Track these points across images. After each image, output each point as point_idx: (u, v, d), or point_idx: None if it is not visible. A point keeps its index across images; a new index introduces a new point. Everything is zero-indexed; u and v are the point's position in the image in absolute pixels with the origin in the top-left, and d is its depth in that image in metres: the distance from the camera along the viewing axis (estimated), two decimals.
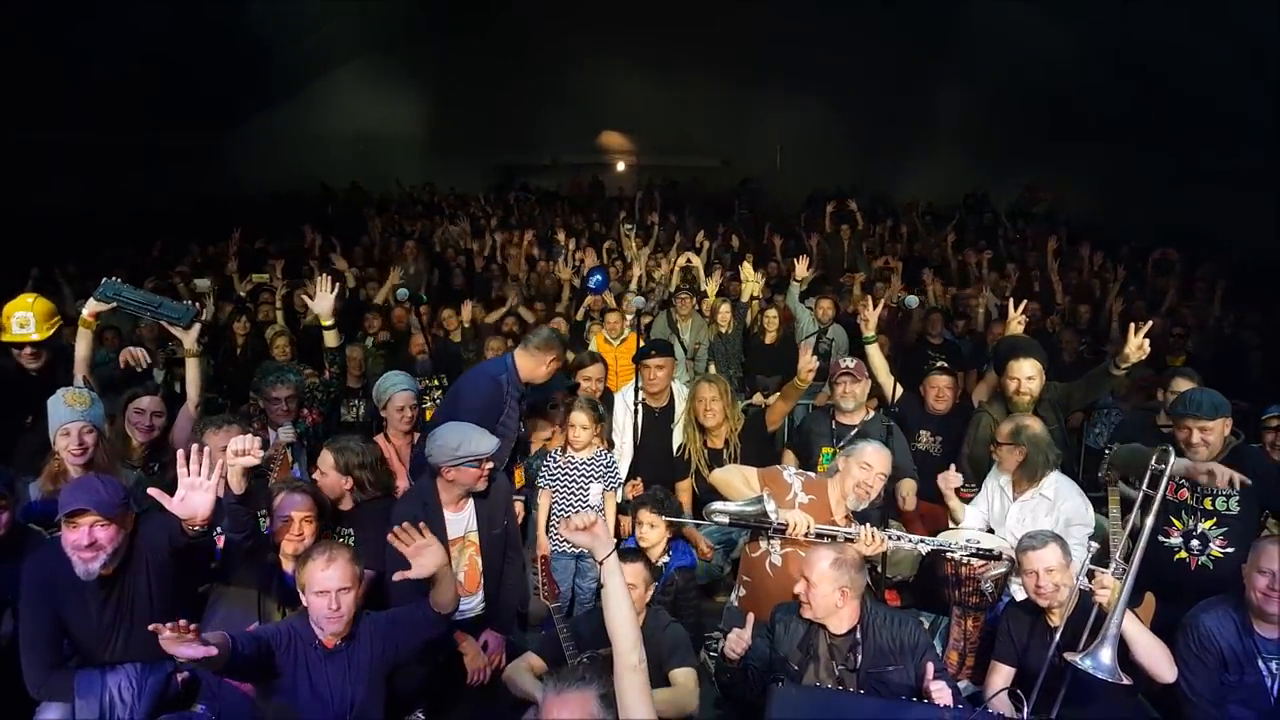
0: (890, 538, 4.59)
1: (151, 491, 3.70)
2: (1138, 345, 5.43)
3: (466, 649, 4.79)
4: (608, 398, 6.78)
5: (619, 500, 5.97)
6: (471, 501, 4.86)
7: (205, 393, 5.36)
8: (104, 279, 5.14)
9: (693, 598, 5.27)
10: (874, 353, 6.56)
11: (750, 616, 4.05)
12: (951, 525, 5.44)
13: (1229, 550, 4.69)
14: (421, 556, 3.75)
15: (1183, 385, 5.70)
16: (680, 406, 6.61)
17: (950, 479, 5.33)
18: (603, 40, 20.97)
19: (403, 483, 5.74)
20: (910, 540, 4.74)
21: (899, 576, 5.78)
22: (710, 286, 10.08)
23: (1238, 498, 4.74)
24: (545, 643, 4.43)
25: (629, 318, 8.91)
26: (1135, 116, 15.63)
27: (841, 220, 14.57)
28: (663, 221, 15.46)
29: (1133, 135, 15.78)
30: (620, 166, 26.12)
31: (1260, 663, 3.94)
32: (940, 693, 3.61)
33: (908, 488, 5.83)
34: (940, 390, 6.51)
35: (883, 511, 5.54)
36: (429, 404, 7.02)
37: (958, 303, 10.97)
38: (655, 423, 6.58)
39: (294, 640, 3.69)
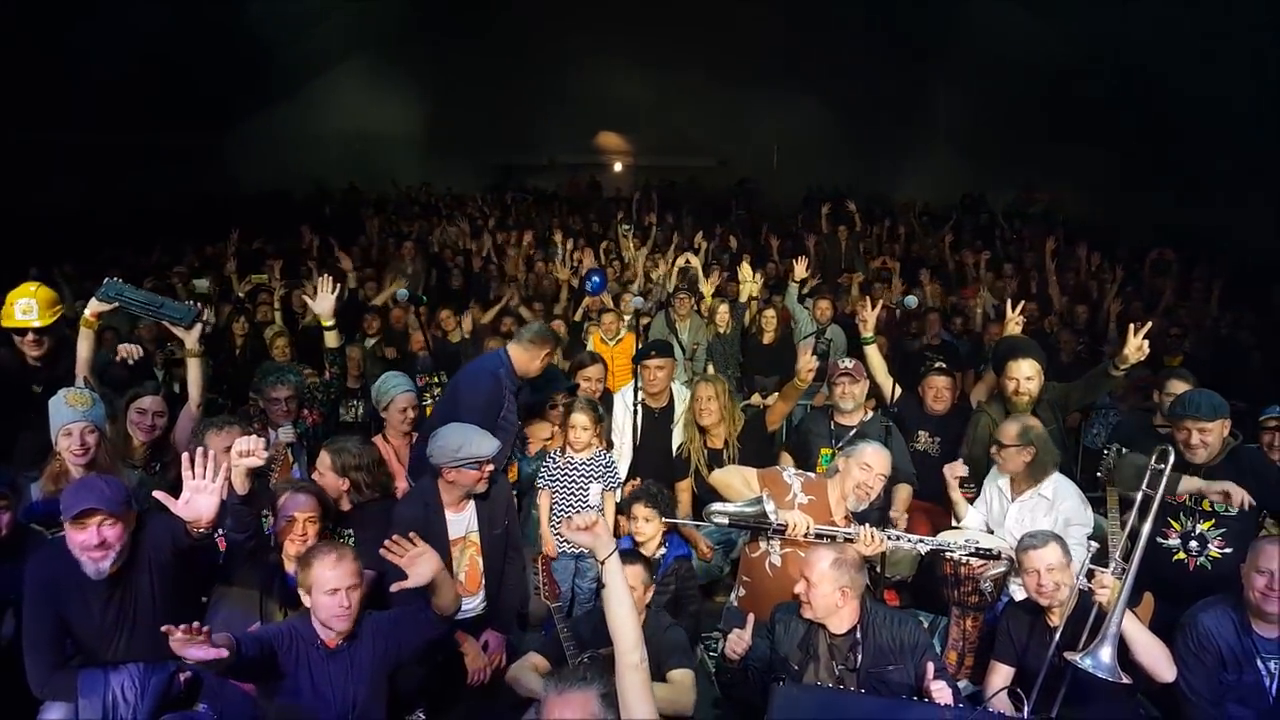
0: (890, 538, 4.61)
1: (157, 494, 3.70)
2: (1137, 346, 5.43)
3: (467, 649, 4.80)
4: (607, 398, 6.79)
5: (618, 500, 5.99)
6: (472, 502, 4.87)
7: (206, 393, 5.35)
8: (106, 279, 5.13)
9: (693, 586, 5.30)
10: (872, 353, 6.57)
11: (750, 616, 4.06)
12: (954, 523, 5.46)
13: (1227, 551, 4.71)
14: (416, 565, 3.75)
15: (1177, 387, 5.69)
16: (679, 407, 6.62)
17: (955, 468, 5.35)
18: (601, 40, 20.97)
19: (402, 484, 5.75)
20: (909, 540, 4.77)
21: (898, 576, 5.79)
22: (707, 287, 10.09)
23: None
24: (547, 643, 4.44)
25: (626, 318, 8.93)
26: (1132, 117, 15.65)
27: (839, 221, 14.58)
28: (660, 222, 15.46)
29: (1130, 136, 15.79)
30: (617, 167, 26.15)
31: (1259, 662, 3.96)
32: (941, 692, 3.62)
33: (900, 501, 5.81)
34: (938, 391, 6.51)
35: (882, 512, 5.55)
36: (428, 401, 7.05)
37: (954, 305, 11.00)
38: (655, 423, 6.59)
39: (295, 640, 3.69)
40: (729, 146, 24.23)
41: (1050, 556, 4.11)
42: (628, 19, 20.47)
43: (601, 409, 6.18)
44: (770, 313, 9.41)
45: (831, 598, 3.91)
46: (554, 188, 22.88)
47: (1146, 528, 4.04)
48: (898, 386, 6.59)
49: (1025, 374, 5.64)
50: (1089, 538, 4.66)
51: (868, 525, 4.57)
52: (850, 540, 4.41)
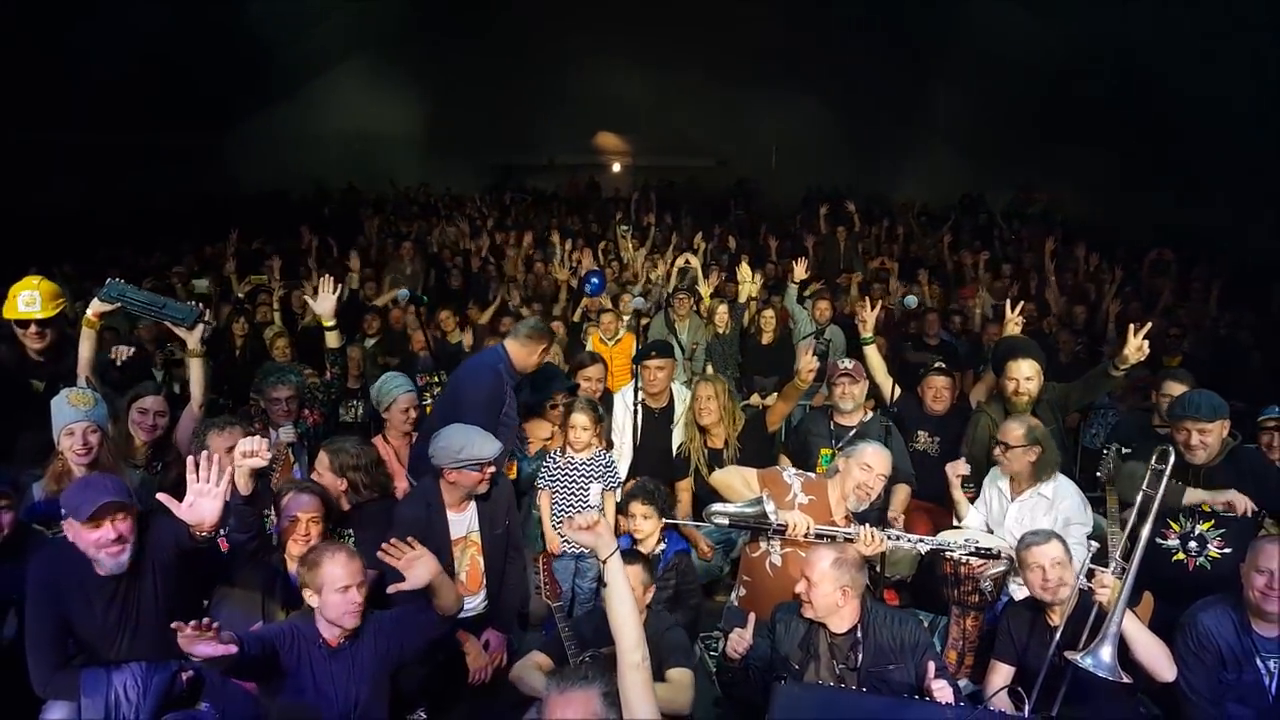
0: (889, 537, 4.63)
1: (160, 496, 3.71)
2: (1137, 346, 5.44)
3: (469, 648, 4.81)
4: (607, 398, 6.80)
5: (618, 500, 6.00)
6: (474, 502, 4.88)
7: (208, 393, 5.36)
8: (109, 280, 5.14)
9: (693, 580, 5.31)
10: (872, 353, 6.59)
11: (751, 616, 4.07)
12: (955, 523, 5.47)
13: (1226, 551, 4.72)
14: (413, 568, 3.76)
15: (1173, 388, 5.70)
16: (679, 407, 6.63)
17: (958, 467, 5.36)
18: (601, 40, 20.97)
19: (402, 484, 5.77)
20: (909, 540, 4.78)
21: (898, 576, 5.80)
22: (704, 288, 10.10)
23: None
24: (548, 642, 4.45)
25: (625, 318, 8.95)
26: (1131, 117, 15.65)
27: (838, 221, 14.58)
28: (659, 222, 15.47)
29: (1129, 136, 15.79)
30: (616, 167, 26.14)
31: (1258, 661, 3.97)
32: (942, 691, 3.63)
33: (899, 501, 5.81)
34: (938, 391, 6.52)
35: (882, 512, 5.56)
36: (428, 401, 7.06)
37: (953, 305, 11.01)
38: (655, 423, 6.60)
39: (297, 639, 3.70)
40: (728, 147, 24.22)
41: (1054, 551, 4.13)
42: (627, 19, 20.45)
43: (601, 409, 6.19)
44: (769, 313, 9.42)
45: (832, 597, 3.92)
46: (554, 188, 22.88)
47: (1146, 529, 4.05)
48: (897, 387, 6.61)
49: (1025, 374, 5.65)
50: (1089, 537, 4.67)
51: (867, 525, 4.58)
52: (850, 540, 4.42)
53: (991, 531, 5.28)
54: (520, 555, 5.17)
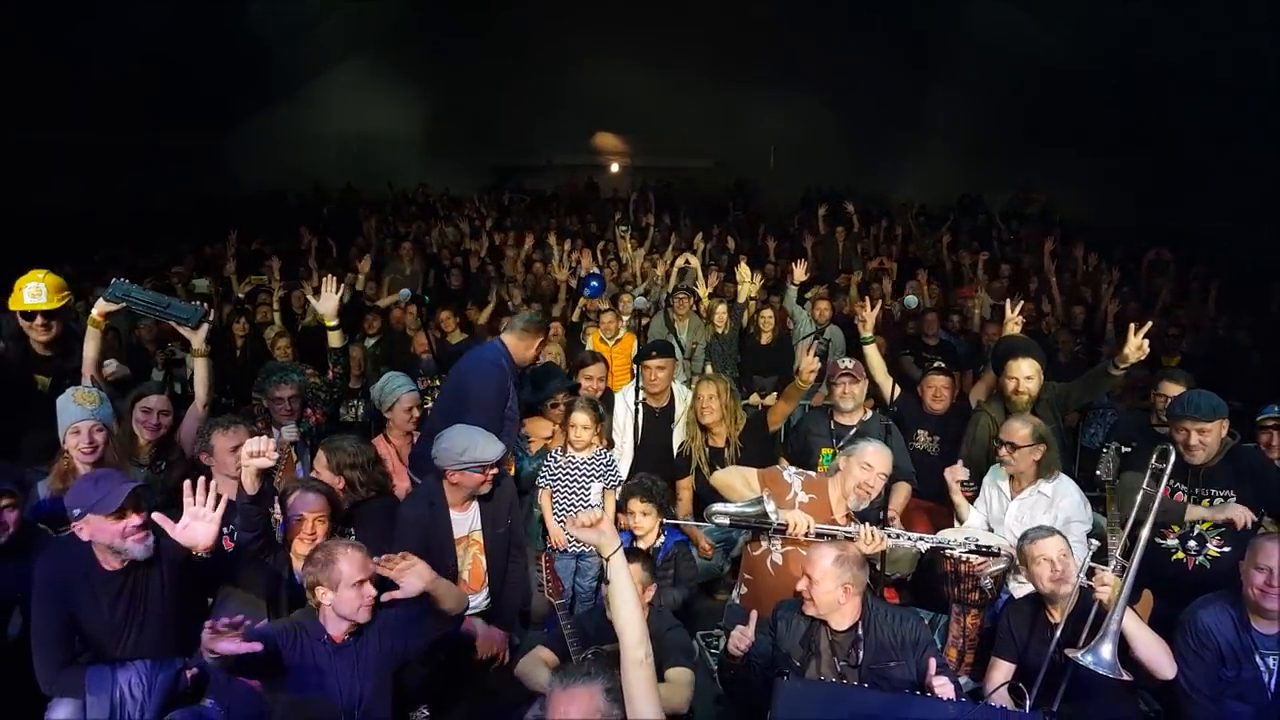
0: (890, 536, 4.65)
1: (156, 516, 3.76)
2: (1137, 345, 5.47)
3: (477, 629, 4.82)
4: (608, 397, 6.82)
5: (617, 499, 6.02)
6: (476, 501, 4.91)
7: (211, 393, 5.38)
8: (114, 280, 5.16)
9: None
10: (871, 353, 6.61)
11: (753, 613, 4.08)
12: (956, 524, 5.49)
13: (1226, 550, 4.76)
14: (405, 578, 3.78)
15: (1170, 388, 5.71)
16: (680, 407, 6.65)
17: (957, 471, 5.38)
18: (599, 41, 20.94)
19: (404, 483, 5.79)
20: (910, 538, 4.80)
21: (898, 574, 5.81)
22: (702, 289, 10.13)
23: (1235, 499, 4.81)
24: (551, 639, 4.47)
25: (625, 318, 8.97)
26: (1130, 118, 15.69)
27: (836, 221, 14.60)
28: (657, 223, 15.48)
29: (1127, 136, 15.83)
30: (614, 167, 26.14)
31: (1257, 658, 3.99)
32: (943, 687, 3.64)
33: (899, 500, 5.81)
34: (938, 390, 6.54)
35: (882, 511, 5.58)
36: (428, 404, 7.07)
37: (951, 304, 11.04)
38: (655, 422, 6.62)
39: (301, 636, 3.72)
40: (726, 147, 24.20)
41: (1059, 544, 4.18)
42: (626, 19, 20.46)
43: (602, 408, 6.21)
44: (767, 313, 9.44)
45: (834, 594, 3.93)
46: (552, 189, 22.88)
47: (1146, 528, 4.08)
48: (897, 386, 6.63)
49: (1025, 373, 5.67)
50: (1088, 536, 4.70)
51: (867, 524, 4.60)
52: (850, 539, 4.44)
53: (992, 530, 5.30)
54: (522, 554, 5.20)
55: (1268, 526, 4.92)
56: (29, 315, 5.20)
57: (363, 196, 19.54)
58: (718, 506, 4.68)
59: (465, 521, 4.93)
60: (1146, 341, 5.53)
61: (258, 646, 3.30)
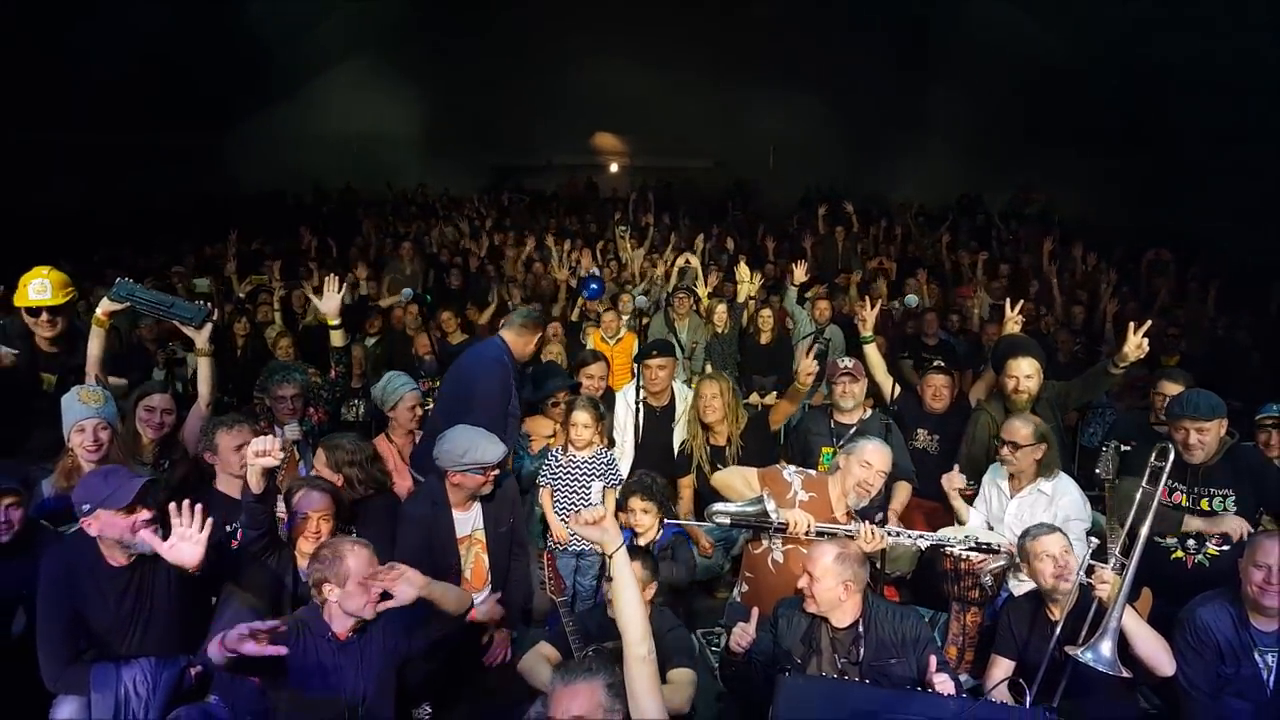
0: (890, 534, 4.66)
1: (143, 534, 3.79)
2: (1137, 344, 5.49)
3: (483, 612, 4.84)
4: (608, 396, 6.84)
5: (618, 497, 6.04)
6: (479, 501, 4.94)
7: (215, 392, 5.40)
8: (118, 279, 5.18)
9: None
10: (871, 352, 6.63)
11: (755, 610, 4.09)
12: (956, 525, 5.50)
13: (1225, 548, 4.77)
14: (398, 586, 3.80)
15: (1169, 387, 5.73)
16: (681, 406, 6.67)
17: (954, 479, 5.39)
18: (599, 41, 20.91)
19: (406, 482, 5.81)
20: (910, 536, 4.81)
21: (898, 573, 5.83)
22: (702, 289, 10.14)
23: (1234, 498, 4.83)
24: (553, 637, 4.49)
25: (625, 317, 8.98)
26: (1129, 118, 15.70)
27: (836, 221, 14.62)
28: (657, 223, 15.50)
29: (1127, 136, 15.84)
30: (614, 167, 26.13)
31: (1256, 655, 4.00)
32: (944, 684, 3.66)
33: (900, 499, 5.85)
34: (937, 389, 6.56)
35: (882, 509, 5.60)
36: (428, 405, 7.08)
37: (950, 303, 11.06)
38: (656, 421, 6.65)
39: (304, 633, 3.73)
40: (726, 147, 24.19)
41: (1061, 540, 4.21)
42: (626, 19, 20.44)
43: (603, 407, 6.23)
44: (766, 312, 9.46)
45: (835, 591, 3.95)
46: (552, 189, 22.88)
47: (1145, 526, 4.09)
48: (897, 385, 6.65)
49: (1025, 372, 5.69)
50: (1087, 533, 4.71)
51: (867, 522, 4.62)
52: (851, 537, 4.45)
53: (992, 529, 5.32)
54: (524, 552, 5.23)
55: (1266, 525, 4.93)
56: (34, 311, 5.23)
57: (362, 196, 19.56)
58: (718, 506, 4.69)
59: (468, 521, 4.96)
60: (1146, 340, 5.54)
61: (283, 650, 3.32)
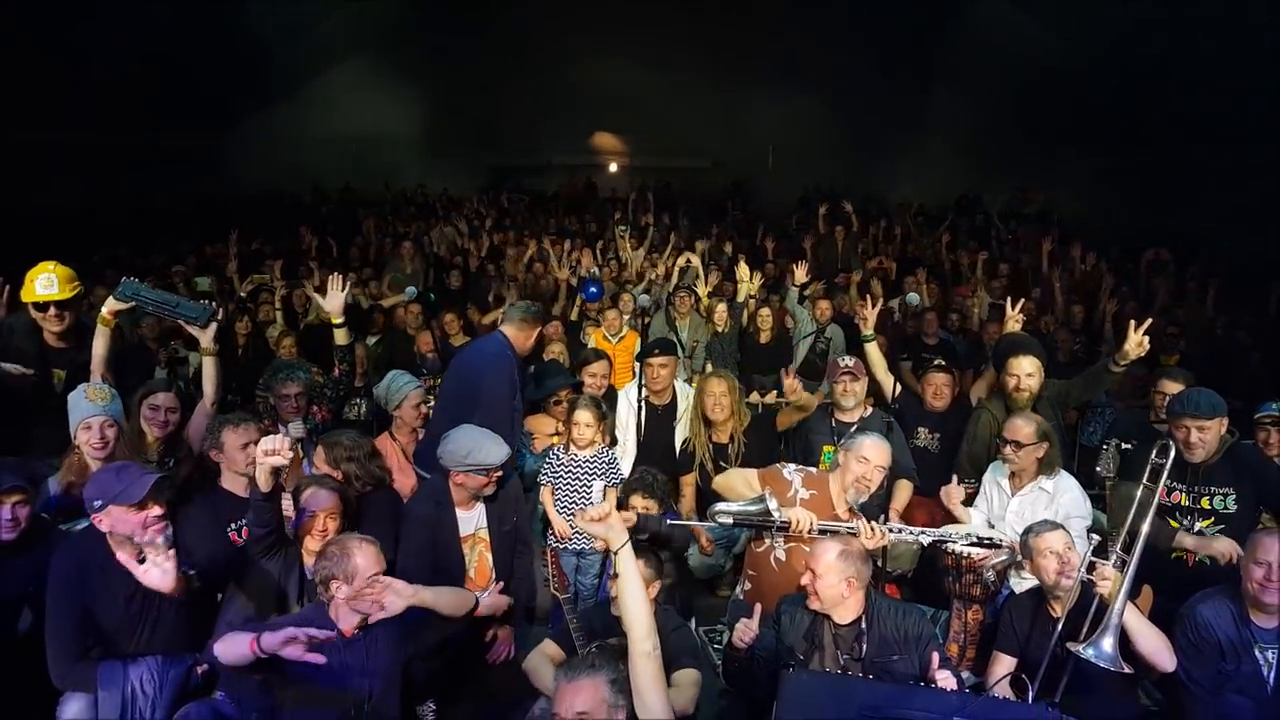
0: (892, 530, 4.68)
1: (121, 557, 3.86)
2: (1137, 342, 5.51)
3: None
4: (610, 394, 6.85)
5: (619, 495, 6.04)
6: (482, 500, 4.94)
7: (219, 390, 5.42)
8: (123, 279, 5.20)
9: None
10: (872, 351, 6.64)
11: (757, 607, 4.10)
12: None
13: None
14: (385, 598, 3.81)
15: (1170, 386, 5.75)
16: (682, 404, 6.68)
17: (953, 494, 5.40)
18: (599, 41, 20.94)
19: (410, 479, 5.82)
20: (911, 533, 4.82)
21: (899, 571, 5.85)
22: (702, 288, 10.16)
23: (1234, 496, 4.84)
24: (557, 634, 4.50)
25: (626, 316, 9.01)
26: (1129, 118, 15.71)
27: (835, 221, 14.64)
28: (656, 222, 15.52)
29: (1126, 136, 15.85)
30: (613, 167, 26.16)
31: (1257, 652, 4.02)
32: (946, 681, 3.68)
33: (901, 497, 5.87)
34: (938, 388, 6.58)
35: (883, 506, 5.62)
36: (430, 402, 7.10)
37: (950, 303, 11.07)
38: (658, 420, 6.65)
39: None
40: (725, 147, 24.22)
41: (1064, 537, 4.24)
42: (626, 19, 20.46)
43: (605, 406, 6.24)
44: (766, 312, 9.49)
45: (837, 588, 3.97)
46: (552, 189, 22.90)
47: (1146, 524, 4.11)
48: (897, 384, 6.67)
49: (1026, 370, 5.71)
50: (1088, 530, 4.73)
51: (869, 520, 4.63)
52: (853, 534, 4.47)
53: (993, 527, 5.33)
54: (528, 550, 5.23)
55: (1266, 523, 4.95)
56: (42, 307, 5.25)
57: (362, 197, 19.57)
58: (721, 506, 4.69)
59: (471, 519, 4.96)
60: (1146, 338, 5.56)
61: (321, 659, 3.34)
